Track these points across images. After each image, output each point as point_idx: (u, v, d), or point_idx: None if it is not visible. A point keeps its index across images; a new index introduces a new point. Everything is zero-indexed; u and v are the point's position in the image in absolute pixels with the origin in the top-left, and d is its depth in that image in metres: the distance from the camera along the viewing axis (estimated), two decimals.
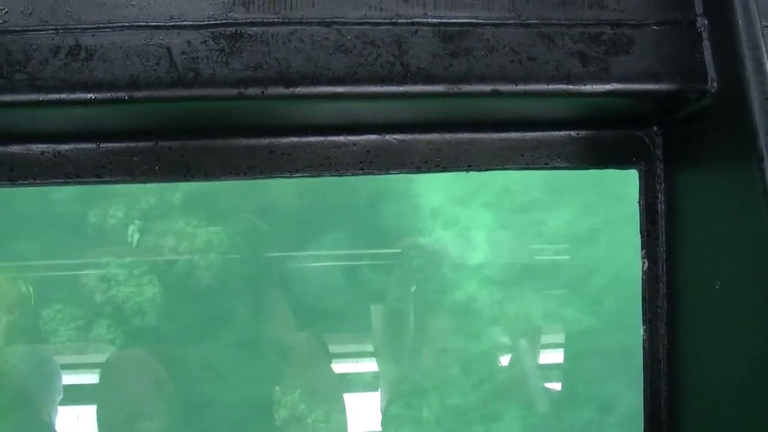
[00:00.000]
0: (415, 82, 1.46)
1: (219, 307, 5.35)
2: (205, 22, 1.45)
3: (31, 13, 1.43)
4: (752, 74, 1.41)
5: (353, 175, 1.65)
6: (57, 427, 4.97)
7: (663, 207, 1.68)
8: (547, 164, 1.70)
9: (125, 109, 1.45)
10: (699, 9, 1.54)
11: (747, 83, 1.41)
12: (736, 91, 1.44)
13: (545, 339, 5.53)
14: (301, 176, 1.65)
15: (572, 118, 1.68)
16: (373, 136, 1.66)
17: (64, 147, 1.60)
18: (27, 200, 5.30)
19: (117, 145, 1.61)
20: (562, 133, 1.70)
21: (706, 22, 1.53)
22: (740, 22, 1.44)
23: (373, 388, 5.35)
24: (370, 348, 5.47)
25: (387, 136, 1.66)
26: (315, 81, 1.44)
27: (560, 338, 5.58)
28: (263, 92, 1.43)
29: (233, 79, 1.43)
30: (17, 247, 5.28)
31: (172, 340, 5.31)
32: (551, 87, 1.48)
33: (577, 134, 1.70)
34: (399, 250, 5.60)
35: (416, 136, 1.67)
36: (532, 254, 5.68)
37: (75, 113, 1.47)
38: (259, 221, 5.48)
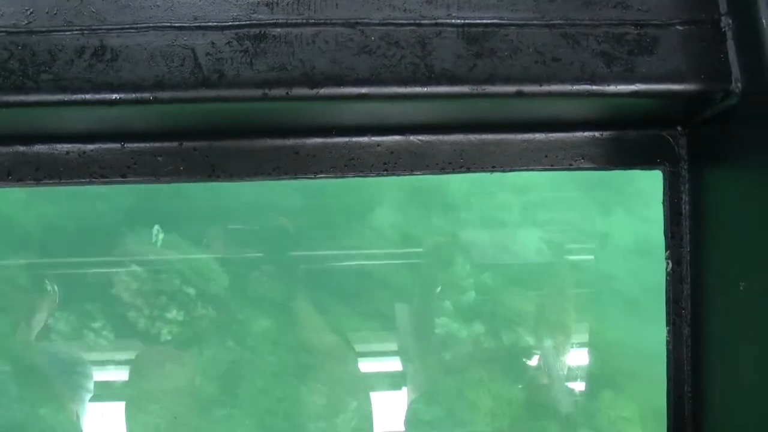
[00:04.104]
0: (439, 83, 1.45)
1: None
2: (230, 23, 1.46)
3: (56, 14, 1.44)
4: None
5: (377, 176, 1.65)
6: (84, 425, 5.00)
7: (687, 208, 1.67)
8: (571, 165, 1.69)
9: (150, 110, 1.46)
10: (723, 8, 1.54)
11: None
12: (761, 91, 1.43)
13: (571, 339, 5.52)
14: (325, 177, 1.65)
15: (596, 119, 1.67)
16: (398, 137, 1.66)
17: (89, 147, 1.61)
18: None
19: (142, 145, 1.62)
20: (587, 133, 1.69)
21: (730, 21, 1.52)
22: (764, 21, 1.43)
23: (399, 387, 5.35)
24: (395, 347, 5.46)
25: (411, 137, 1.66)
26: (339, 82, 1.44)
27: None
28: (287, 93, 1.43)
29: (258, 80, 1.43)
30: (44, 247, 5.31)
31: (195, 339, 5.32)
32: (575, 88, 1.48)
33: (602, 135, 1.69)
34: (423, 250, 5.59)
35: (440, 137, 1.67)
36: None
37: (100, 113, 1.48)
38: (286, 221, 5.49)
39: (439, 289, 5.45)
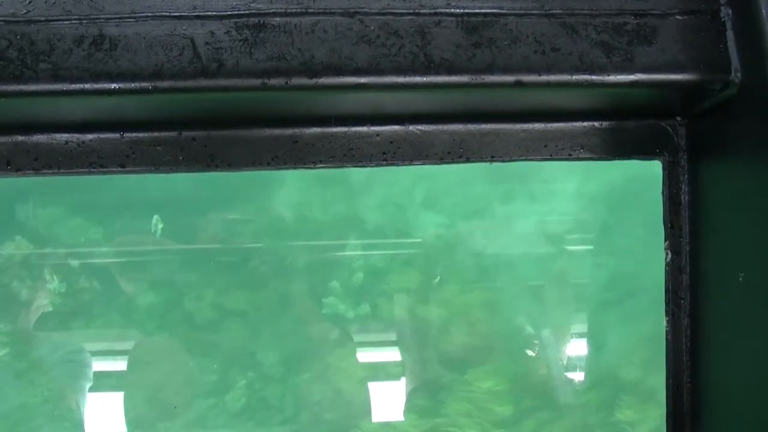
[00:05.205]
0: (438, 73, 1.45)
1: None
2: (228, 13, 1.46)
3: (54, 3, 1.44)
4: None
5: (376, 165, 1.66)
6: (84, 415, 5.00)
7: (686, 198, 1.67)
8: (570, 155, 1.70)
9: (149, 100, 1.46)
10: None
11: None
12: (760, 82, 1.43)
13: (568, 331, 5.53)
14: (324, 167, 1.65)
15: (595, 109, 1.67)
16: (397, 127, 1.66)
17: (88, 137, 1.61)
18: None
19: (141, 135, 1.62)
20: (586, 123, 1.69)
21: (730, 11, 1.52)
22: (764, 11, 1.43)
23: (397, 378, 5.36)
24: (393, 338, 5.47)
25: (410, 127, 1.66)
26: (338, 72, 1.44)
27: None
28: (287, 83, 1.43)
29: (257, 69, 1.43)
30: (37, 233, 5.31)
31: (200, 327, 5.33)
32: (575, 77, 1.48)
33: (601, 125, 1.69)
34: (421, 240, 5.59)
35: (439, 127, 1.67)
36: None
37: (99, 103, 1.48)
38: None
39: (437, 279, 5.46)
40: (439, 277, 5.50)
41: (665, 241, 1.69)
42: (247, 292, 5.36)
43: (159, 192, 5.22)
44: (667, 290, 1.69)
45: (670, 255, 1.69)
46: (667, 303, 1.69)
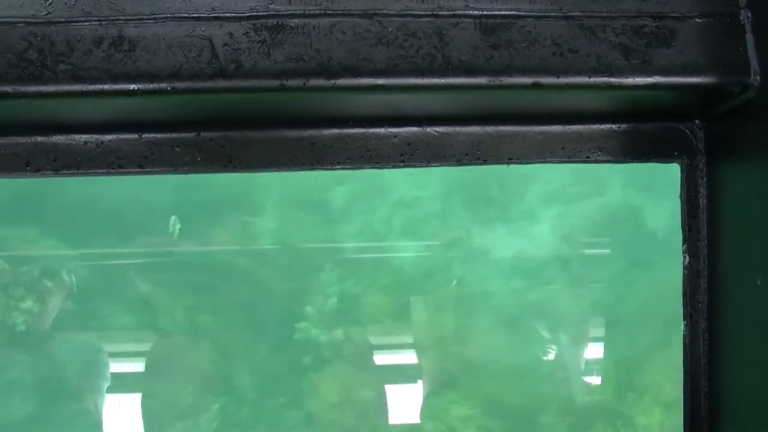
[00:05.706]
0: (456, 75, 1.45)
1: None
2: (247, 14, 1.46)
3: (74, 5, 1.44)
4: None
5: (394, 167, 1.66)
6: (102, 415, 5.02)
7: (705, 201, 1.67)
8: (588, 157, 1.69)
9: (167, 100, 1.46)
10: (742, 2, 1.53)
11: None
12: None
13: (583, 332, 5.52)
14: (342, 168, 1.65)
15: (614, 111, 1.67)
16: (414, 128, 1.66)
17: (107, 137, 1.62)
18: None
19: (159, 135, 1.63)
20: (604, 126, 1.69)
21: (749, 14, 1.52)
22: None
23: (414, 380, 5.37)
24: (410, 340, 5.47)
25: (428, 128, 1.66)
26: (356, 73, 1.44)
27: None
28: (305, 84, 1.44)
29: (275, 70, 1.43)
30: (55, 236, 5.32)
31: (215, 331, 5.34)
32: (593, 80, 1.48)
33: (619, 127, 1.69)
34: (437, 242, 5.59)
35: (457, 129, 1.67)
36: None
37: (118, 104, 1.48)
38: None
39: (454, 282, 5.46)
40: (456, 280, 5.50)
41: (683, 244, 1.69)
42: (219, 315, 5.38)
43: (137, 216, 5.22)
44: (684, 294, 1.68)
45: (687, 258, 1.68)
46: (685, 306, 1.68)
